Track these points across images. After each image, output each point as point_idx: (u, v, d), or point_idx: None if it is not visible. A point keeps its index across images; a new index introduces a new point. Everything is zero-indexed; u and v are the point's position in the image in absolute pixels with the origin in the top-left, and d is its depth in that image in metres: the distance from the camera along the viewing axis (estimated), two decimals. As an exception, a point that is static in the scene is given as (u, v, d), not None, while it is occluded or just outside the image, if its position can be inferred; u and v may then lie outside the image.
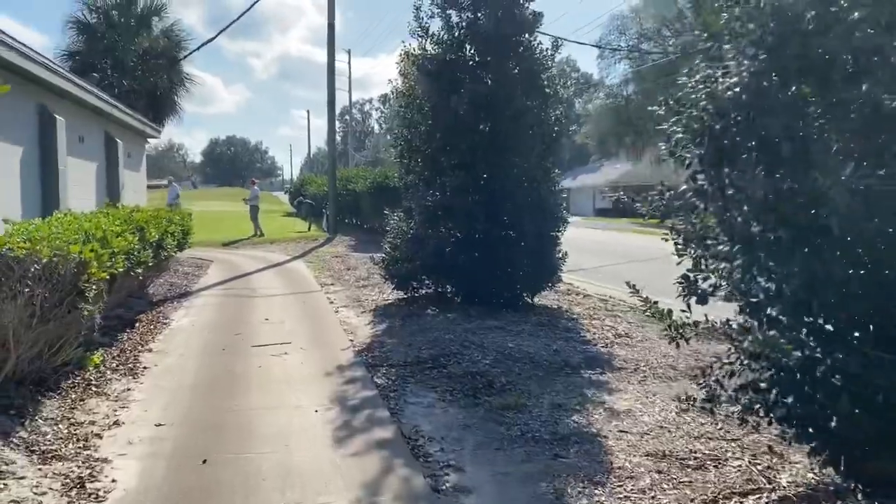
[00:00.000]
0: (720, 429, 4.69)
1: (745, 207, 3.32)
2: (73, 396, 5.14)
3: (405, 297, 9.90)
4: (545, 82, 9.20)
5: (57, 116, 9.52)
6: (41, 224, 5.56)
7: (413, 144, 9.35)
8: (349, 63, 64.66)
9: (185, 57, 22.14)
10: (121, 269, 5.83)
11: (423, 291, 9.83)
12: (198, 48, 22.79)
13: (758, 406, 3.49)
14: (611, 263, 15.89)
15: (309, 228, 25.37)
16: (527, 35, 9.17)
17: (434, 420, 4.97)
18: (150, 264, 7.29)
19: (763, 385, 3.47)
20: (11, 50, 8.05)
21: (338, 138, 26.91)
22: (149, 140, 18.33)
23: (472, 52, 9.23)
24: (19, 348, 4.37)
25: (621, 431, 4.71)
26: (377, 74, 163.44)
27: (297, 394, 5.55)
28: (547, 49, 9.22)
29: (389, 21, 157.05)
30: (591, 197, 49.29)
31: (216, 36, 25.22)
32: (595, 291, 11.20)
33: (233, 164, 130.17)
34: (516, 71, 9.00)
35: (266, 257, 16.98)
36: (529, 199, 8.90)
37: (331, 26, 22.62)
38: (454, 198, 8.91)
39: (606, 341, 7.53)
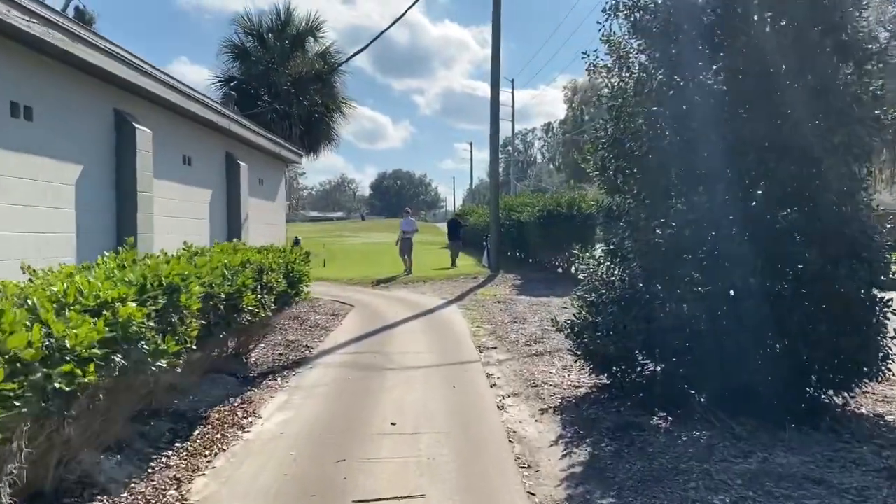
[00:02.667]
0: None
1: None
2: None
3: (607, 382, 6.41)
4: (859, 35, 5.40)
5: (136, 126, 7.17)
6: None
7: (626, 147, 5.87)
8: (512, 93, 61.85)
9: (333, 70, 20.25)
10: (92, 379, 2.94)
11: (634, 376, 6.27)
12: (345, 61, 20.94)
13: None
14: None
15: (453, 263, 21.44)
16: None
17: None
18: (195, 347, 4.41)
19: None
20: (55, 28, 5.71)
21: (500, 168, 23.96)
22: (289, 165, 16.34)
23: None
24: None
25: None
26: (538, 105, 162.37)
27: None
28: (861, -22, 5.42)
29: (550, 51, 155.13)
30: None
31: (361, 50, 23.32)
32: None
33: (399, 196, 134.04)
34: (804, 19, 5.31)
35: (416, 301, 14.15)
36: (838, 232, 5.10)
37: (495, 59, 19.61)
38: (700, 232, 5.33)
39: None
